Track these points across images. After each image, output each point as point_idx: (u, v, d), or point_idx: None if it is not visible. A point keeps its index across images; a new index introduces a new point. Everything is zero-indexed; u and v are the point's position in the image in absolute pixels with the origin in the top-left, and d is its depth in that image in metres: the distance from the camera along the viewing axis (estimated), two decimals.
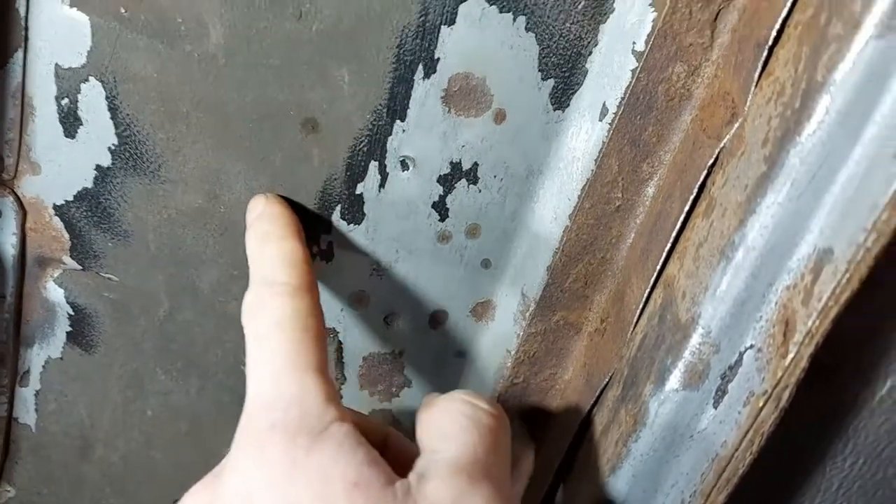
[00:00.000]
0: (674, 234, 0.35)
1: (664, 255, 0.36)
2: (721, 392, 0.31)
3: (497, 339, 0.47)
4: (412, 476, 0.31)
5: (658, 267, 0.36)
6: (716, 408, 0.31)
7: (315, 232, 0.43)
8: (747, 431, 0.30)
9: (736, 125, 0.33)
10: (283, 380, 0.32)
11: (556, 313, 0.43)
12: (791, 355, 0.28)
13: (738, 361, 0.31)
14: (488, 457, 0.32)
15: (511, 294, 0.45)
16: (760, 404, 0.29)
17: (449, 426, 0.34)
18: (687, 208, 0.35)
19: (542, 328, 0.44)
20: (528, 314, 0.44)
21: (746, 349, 0.30)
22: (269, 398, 0.32)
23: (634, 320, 0.37)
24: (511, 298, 0.45)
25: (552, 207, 0.42)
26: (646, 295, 0.37)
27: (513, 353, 0.45)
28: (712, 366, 0.31)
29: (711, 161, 0.34)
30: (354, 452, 0.31)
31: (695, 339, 0.32)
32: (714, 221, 0.32)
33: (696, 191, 0.35)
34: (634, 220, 0.40)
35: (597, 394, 0.39)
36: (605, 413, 0.38)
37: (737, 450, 0.30)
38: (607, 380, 0.39)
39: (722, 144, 0.34)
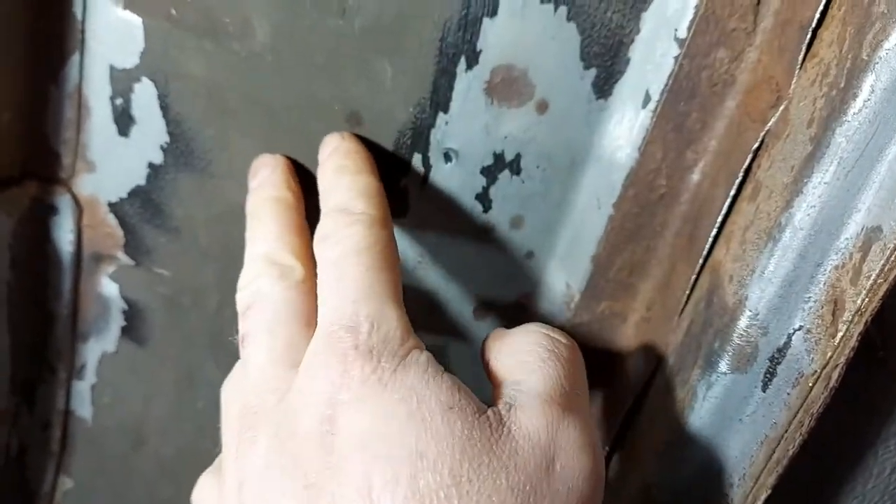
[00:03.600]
0: (720, 219, 0.35)
1: (710, 240, 0.35)
2: (770, 374, 0.31)
3: None
4: (501, 405, 0.31)
5: (704, 252, 0.36)
6: (764, 390, 0.31)
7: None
8: (797, 412, 0.30)
9: (781, 108, 0.33)
10: (364, 305, 0.32)
11: (601, 303, 0.43)
12: (840, 334, 0.28)
13: (787, 343, 0.30)
14: (573, 388, 0.32)
15: (555, 285, 0.45)
16: (810, 385, 0.29)
17: (529, 357, 0.33)
18: (733, 192, 0.35)
19: (588, 318, 0.44)
20: (572, 305, 0.44)
21: (795, 331, 0.30)
22: (350, 322, 0.31)
23: (681, 307, 0.37)
24: (555, 289, 0.45)
25: (596, 197, 0.42)
26: (692, 281, 0.37)
27: None
28: (761, 348, 0.31)
29: (756, 145, 0.34)
30: (442, 377, 0.30)
31: (742, 322, 0.32)
32: (760, 204, 0.32)
33: (741, 175, 0.34)
34: (679, 207, 0.40)
35: (643, 382, 0.39)
36: (653, 399, 0.38)
37: (786, 431, 0.30)
38: (654, 367, 0.39)
39: (767, 128, 0.33)
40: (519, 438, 0.29)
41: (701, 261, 0.36)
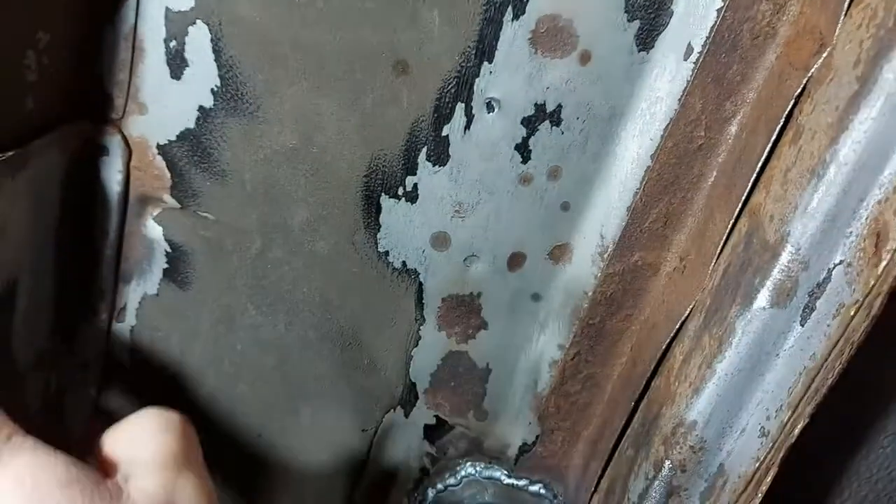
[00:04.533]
0: (759, 164, 0.36)
1: (749, 185, 0.36)
2: (809, 309, 0.32)
3: (574, 282, 0.48)
4: (119, 478, 0.33)
5: (743, 198, 0.37)
6: (803, 325, 0.32)
7: (402, 173, 0.45)
8: (837, 341, 0.31)
9: (824, 55, 0.34)
10: None
11: (634, 254, 0.45)
12: (884, 264, 0.29)
13: (828, 278, 0.32)
14: (184, 450, 0.35)
15: (589, 236, 0.46)
16: (851, 314, 0.30)
17: (140, 434, 0.35)
18: (774, 137, 0.36)
19: (621, 269, 0.45)
20: (606, 255, 0.45)
21: (836, 265, 0.31)
22: None
23: (717, 252, 0.38)
24: (589, 240, 0.46)
25: (634, 148, 0.43)
26: (729, 226, 0.38)
27: (590, 294, 0.47)
28: (801, 283, 0.32)
29: (799, 91, 0.35)
30: (55, 454, 0.31)
31: (784, 258, 0.33)
32: (803, 146, 0.33)
33: (783, 120, 0.35)
34: (716, 158, 0.41)
35: (676, 327, 0.40)
36: (687, 343, 0.39)
37: (826, 360, 0.31)
38: (687, 312, 0.40)
39: (809, 74, 0.34)
40: (139, 501, 0.32)
41: (739, 206, 0.37)
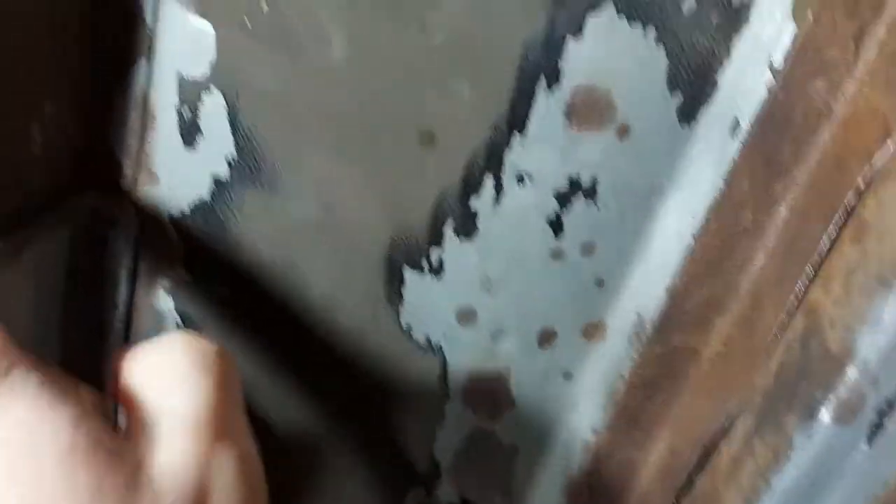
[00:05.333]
0: (816, 257, 0.33)
1: (805, 279, 0.34)
2: (876, 427, 0.30)
3: (608, 362, 0.45)
4: (141, 440, 0.25)
5: (797, 292, 0.34)
6: (870, 445, 0.30)
7: (427, 245, 0.43)
8: None
9: (892, 146, 0.31)
10: None
11: (674, 336, 0.42)
12: None
13: None
14: (224, 404, 0.27)
15: (625, 315, 0.44)
16: None
17: (170, 372, 0.27)
18: (831, 231, 0.33)
19: (660, 351, 0.43)
20: (643, 336, 0.43)
21: None
22: None
23: (767, 347, 0.36)
24: (625, 319, 0.44)
25: (675, 227, 0.41)
26: (782, 321, 0.35)
27: (626, 376, 0.44)
28: (868, 400, 0.30)
29: (861, 181, 0.32)
30: (63, 405, 0.24)
31: (850, 373, 0.30)
32: (868, 247, 0.31)
33: (842, 214, 0.33)
34: (764, 242, 0.39)
35: (724, 421, 0.38)
36: (736, 444, 0.36)
37: None
38: (733, 407, 0.37)
39: (873, 164, 0.32)
40: (162, 480, 0.24)
41: (793, 301, 0.35)
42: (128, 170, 0.42)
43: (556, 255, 0.43)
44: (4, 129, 0.35)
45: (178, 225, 0.43)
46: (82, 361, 0.46)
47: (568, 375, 0.46)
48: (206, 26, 0.38)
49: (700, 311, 0.41)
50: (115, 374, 0.29)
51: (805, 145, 0.36)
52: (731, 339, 0.40)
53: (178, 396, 0.27)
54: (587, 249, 0.42)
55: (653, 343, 0.42)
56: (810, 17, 0.34)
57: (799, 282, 0.34)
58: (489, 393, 0.47)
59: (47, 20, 0.35)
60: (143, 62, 0.39)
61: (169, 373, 0.27)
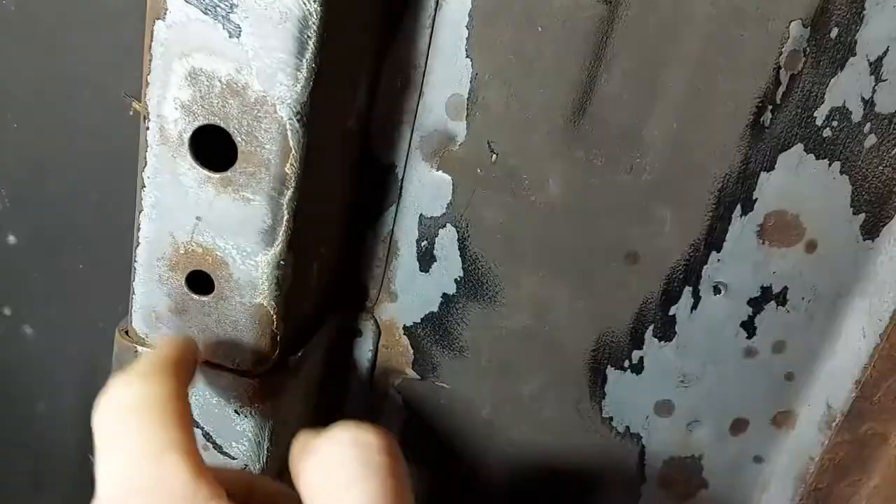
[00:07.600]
0: None
1: None
2: None
3: (798, 447, 0.49)
4: None
5: None
6: None
7: (629, 348, 0.48)
8: None
9: None
10: (139, 464, 0.27)
11: (864, 424, 0.46)
12: None
13: None
14: (396, 500, 0.27)
15: (815, 404, 0.48)
16: None
17: (341, 477, 0.28)
18: None
19: (850, 437, 0.47)
20: (833, 424, 0.47)
21: None
22: (124, 489, 0.26)
23: None
24: (815, 409, 0.48)
25: (860, 327, 0.45)
26: None
27: (816, 459, 0.48)
28: None
29: None
30: None
31: None
32: None
33: None
34: None
35: None
36: None
37: None
38: None
39: None
40: None
41: None
42: (372, 291, 0.49)
43: (749, 353, 0.47)
44: (299, 269, 0.42)
45: (411, 333, 0.50)
46: None
47: (759, 459, 0.51)
48: (444, 176, 0.45)
49: (888, 401, 0.45)
50: (291, 463, 0.31)
51: None
52: None
53: (346, 498, 0.28)
54: (778, 347, 0.47)
55: (843, 430, 0.46)
56: None
57: None
58: (683, 475, 0.52)
59: (341, 189, 0.43)
60: (392, 208, 0.46)
61: (339, 475, 0.28)
